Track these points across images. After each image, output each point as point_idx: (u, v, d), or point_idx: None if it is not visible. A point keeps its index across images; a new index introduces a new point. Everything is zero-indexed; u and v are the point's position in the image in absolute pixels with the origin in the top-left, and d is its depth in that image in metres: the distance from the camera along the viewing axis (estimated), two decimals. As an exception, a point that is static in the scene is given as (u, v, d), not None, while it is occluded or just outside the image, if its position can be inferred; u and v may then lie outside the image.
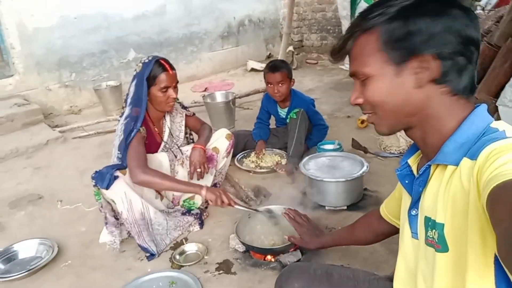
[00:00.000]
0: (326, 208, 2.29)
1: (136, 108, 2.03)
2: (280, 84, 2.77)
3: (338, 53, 0.86)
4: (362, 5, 5.08)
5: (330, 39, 6.57)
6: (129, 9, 4.91)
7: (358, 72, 0.82)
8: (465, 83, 0.77)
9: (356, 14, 4.57)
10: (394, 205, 1.14)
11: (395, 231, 1.18)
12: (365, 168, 2.28)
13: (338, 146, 2.81)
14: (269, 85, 2.82)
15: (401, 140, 2.98)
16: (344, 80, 5.27)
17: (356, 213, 2.22)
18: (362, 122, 3.50)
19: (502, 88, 2.55)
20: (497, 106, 2.44)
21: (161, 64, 2.03)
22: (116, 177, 1.91)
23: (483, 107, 0.80)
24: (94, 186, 1.93)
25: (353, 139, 3.02)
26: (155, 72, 2.01)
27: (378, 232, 1.30)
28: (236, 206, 1.95)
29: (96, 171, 1.93)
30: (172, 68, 2.08)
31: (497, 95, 2.59)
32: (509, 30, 2.80)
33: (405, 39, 0.75)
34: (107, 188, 1.89)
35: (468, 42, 0.75)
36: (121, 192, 1.92)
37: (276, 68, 2.77)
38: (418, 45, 0.75)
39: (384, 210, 1.21)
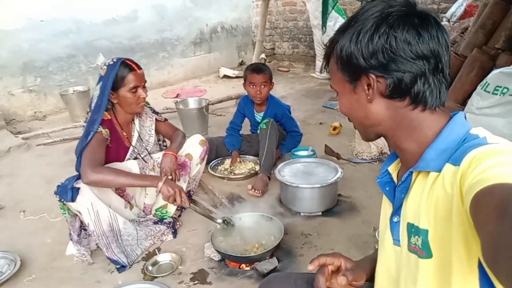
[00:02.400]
0: (301, 214, 2.28)
1: (98, 112, 1.96)
2: (262, 86, 2.79)
3: (325, 70, 0.93)
4: (333, 15, 5.18)
5: (301, 48, 6.65)
6: (99, 14, 4.79)
7: (332, 87, 0.92)
8: (422, 96, 0.78)
9: (327, 23, 4.67)
10: None
11: None
12: (339, 174, 2.30)
13: (311, 152, 2.82)
14: (251, 86, 2.82)
15: (373, 147, 3.03)
16: (316, 87, 5.34)
17: (331, 219, 2.23)
18: (334, 129, 3.54)
19: (468, 96, 2.65)
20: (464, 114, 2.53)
21: (127, 65, 1.97)
22: (78, 188, 1.82)
23: (461, 114, 0.81)
24: (59, 201, 1.85)
25: (326, 145, 3.05)
26: (122, 73, 1.94)
27: None
28: (192, 208, 1.91)
29: (58, 185, 1.84)
30: (139, 67, 2.03)
31: (464, 103, 2.68)
32: (474, 41, 2.92)
33: (349, 61, 0.80)
34: (72, 200, 1.80)
35: (412, 58, 0.75)
36: (87, 203, 1.83)
37: (260, 69, 2.81)
38: (360, 66, 0.79)
39: None
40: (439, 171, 0.74)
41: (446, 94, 0.81)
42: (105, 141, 1.97)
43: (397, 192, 0.86)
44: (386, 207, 0.93)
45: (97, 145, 1.91)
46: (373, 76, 0.78)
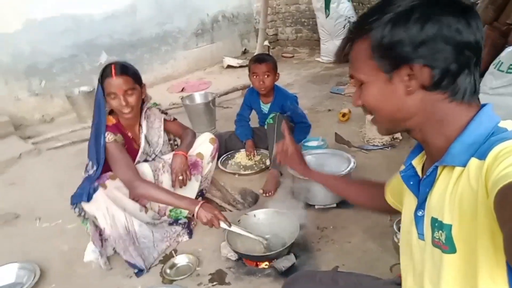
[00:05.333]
0: (316, 207, 2.26)
1: (99, 115, 1.96)
2: (266, 76, 2.74)
3: (341, 57, 0.87)
4: (336, -3, 5.07)
5: (305, 32, 6.54)
6: (98, 10, 4.72)
7: (354, 77, 0.85)
8: (462, 89, 0.76)
9: (330, 6, 4.55)
10: (395, 191, 1.12)
11: (393, 212, 1.16)
12: (352, 164, 2.26)
13: (322, 143, 2.78)
14: (254, 76, 2.77)
15: (384, 132, 2.98)
16: (322, 72, 5.26)
17: (346, 211, 2.21)
18: (344, 115, 3.49)
19: (480, 75, 2.57)
20: (477, 94, 2.46)
21: (105, 71, 1.91)
22: (97, 188, 1.83)
23: (489, 106, 0.78)
24: (79, 215, 1.88)
25: (336, 133, 3.00)
26: (103, 77, 1.91)
27: (376, 204, 1.24)
28: (232, 228, 1.83)
29: (72, 197, 1.86)
30: (121, 73, 1.89)
31: (476, 83, 2.61)
32: (484, 17, 2.83)
33: (392, 48, 0.75)
34: (88, 200, 1.81)
35: (461, 47, 0.73)
36: (103, 207, 1.84)
37: (263, 59, 2.77)
38: (405, 55, 0.74)
39: (389, 195, 1.16)
40: (465, 165, 0.73)
41: (479, 86, 0.79)
42: (123, 147, 1.99)
43: (422, 186, 0.85)
44: (411, 200, 0.92)
45: (124, 155, 1.95)
46: (418, 66, 0.74)
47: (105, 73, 1.91)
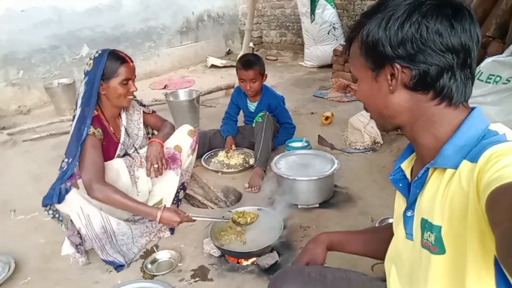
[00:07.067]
0: (299, 206, 2.27)
1: (87, 107, 1.89)
2: (252, 81, 2.73)
3: (346, 52, 0.90)
4: (322, 2, 5.12)
5: (289, 36, 6.59)
6: (81, 2, 4.63)
7: (352, 73, 0.89)
8: (447, 90, 0.76)
9: (316, 11, 4.61)
10: None
11: None
12: (335, 165, 2.29)
13: (306, 144, 2.80)
14: (241, 81, 2.77)
15: (366, 136, 3.03)
16: (305, 76, 5.31)
17: (328, 210, 2.23)
18: (326, 118, 3.52)
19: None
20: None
21: (119, 56, 1.92)
22: (69, 188, 1.75)
23: (479, 109, 0.79)
24: (53, 218, 1.79)
25: (319, 135, 3.03)
26: (114, 64, 1.89)
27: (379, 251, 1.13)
28: (199, 219, 1.92)
29: (43, 198, 1.76)
30: (131, 60, 1.99)
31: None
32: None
33: (375, 47, 0.78)
34: (59, 202, 1.72)
35: (443, 51, 0.73)
36: (77, 207, 1.76)
37: (250, 65, 2.71)
38: (387, 54, 0.77)
39: None
40: (456, 167, 0.74)
41: (471, 90, 0.79)
42: (100, 143, 1.92)
43: (413, 188, 0.85)
44: (400, 201, 0.93)
45: (95, 152, 1.86)
46: (398, 66, 0.76)
47: (116, 60, 1.90)
